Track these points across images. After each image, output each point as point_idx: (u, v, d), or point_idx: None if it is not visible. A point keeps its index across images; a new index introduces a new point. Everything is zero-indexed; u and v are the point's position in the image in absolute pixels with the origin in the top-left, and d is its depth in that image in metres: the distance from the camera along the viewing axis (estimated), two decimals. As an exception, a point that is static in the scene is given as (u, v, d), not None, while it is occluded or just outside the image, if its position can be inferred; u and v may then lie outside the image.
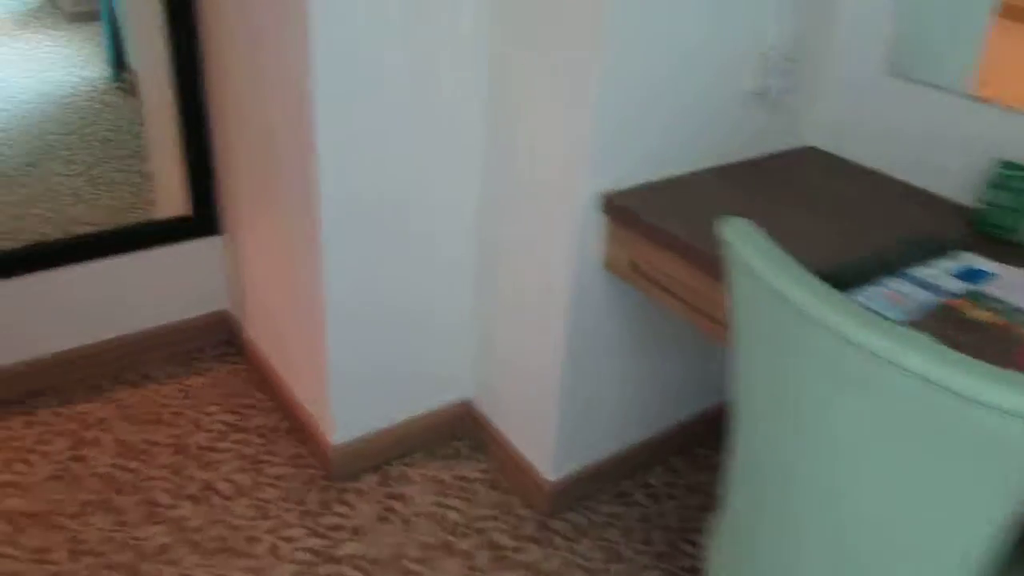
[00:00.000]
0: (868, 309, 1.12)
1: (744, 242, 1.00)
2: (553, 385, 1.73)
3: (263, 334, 2.14)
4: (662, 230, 1.42)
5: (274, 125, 1.74)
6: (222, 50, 1.91)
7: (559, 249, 1.61)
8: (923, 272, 1.30)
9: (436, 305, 1.87)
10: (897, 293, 1.24)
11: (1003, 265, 1.34)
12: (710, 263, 1.34)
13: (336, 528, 1.80)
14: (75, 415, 2.06)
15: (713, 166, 1.67)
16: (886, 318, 1.10)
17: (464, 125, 1.71)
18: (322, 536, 1.78)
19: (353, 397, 1.85)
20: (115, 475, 1.89)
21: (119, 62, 2.58)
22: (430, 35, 1.58)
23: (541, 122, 1.58)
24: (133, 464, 1.93)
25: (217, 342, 2.33)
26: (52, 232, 2.37)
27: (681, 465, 2.04)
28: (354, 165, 1.61)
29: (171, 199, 2.27)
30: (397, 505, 1.87)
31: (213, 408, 2.10)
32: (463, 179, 1.76)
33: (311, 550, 1.75)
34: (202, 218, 2.19)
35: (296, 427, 2.03)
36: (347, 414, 1.86)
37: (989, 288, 1.27)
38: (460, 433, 2.06)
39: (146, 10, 2.01)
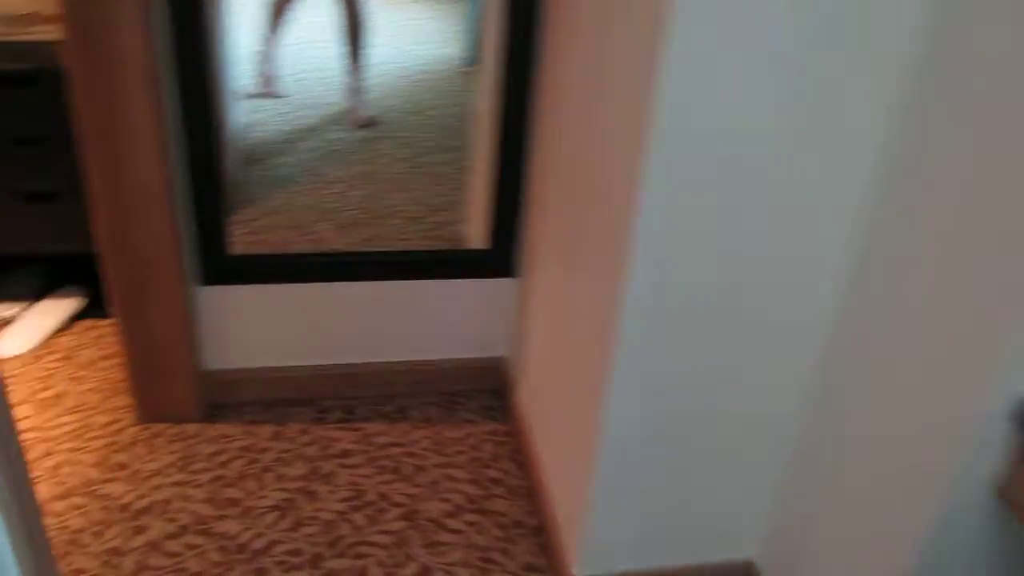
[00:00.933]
0: None
1: None
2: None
3: (532, 403, 1.82)
4: None
5: (593, 176, 1.39)
6: (558, 78, 1.60)
7: (933, 454, 1.10)
8: None
9: (741, 444, 1.42)
10: None
11: None
12: None
13: None
14: (321, 438, 1.89)
15: None
16: None
17: (825, 243, 1.24)
18: None
19: (612, 526, 1.46)
20: (337, 526, 1.68)
21: (477, 44, 2.39)
22: (809, 127, 1.13)
23: (946, 274, 1.07)
24: (359, 519, 1.70)
25: (486, 391, 2.06)
26: (363, 218, 2.24)
27: None
28: (678, 252, 1.21)
29: (477, 219, 2.02)
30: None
31: (459, 474, 1.82)
32: (811, 304, 1.29)
33: None
34: (500, 255, 1.90)
35: (541, 530, 1.69)
36: (599, 546, 1.48)
37: None
38: (735, 596, 1.60)
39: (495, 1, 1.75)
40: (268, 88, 2.43)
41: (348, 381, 1.99)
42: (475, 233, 2.06)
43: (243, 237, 2.15)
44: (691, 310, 1.26)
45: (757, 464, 1.45)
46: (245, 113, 2.38)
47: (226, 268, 1.82)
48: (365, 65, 2.42)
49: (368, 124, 2.45)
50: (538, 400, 1.78)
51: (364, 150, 2.47)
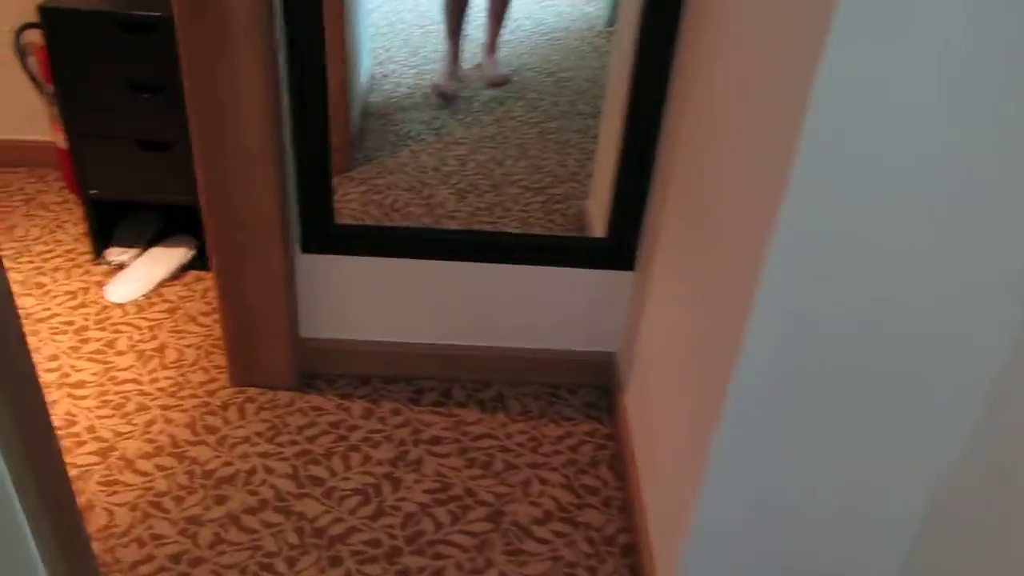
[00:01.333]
0: None
1: None
2: None
3: (638, 408, 1.68)
4: None
5: (725, 177, 1.22)
6: (697, 56, 1.42)
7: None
8: None
9: (868, 512, 1.23)
10: None
11: None
12: None
13: None
14: (413, 420, 1.80)
15: None
16: None
17: (1001, 282, 1.02)
18: None
19: (711, 563, 1.31)
20: (418, 519, 1.59)
21: (618, 3, 2.22)
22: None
23: None
24: (442, 514, 1.60)
25: (591, 387, 1.92)
26: (482, 183, 2.13)
27: None
28: (817, 283, 1.03)
29: (599, 199, 1.87)
30: None
31: (553, 477, 1.70)
32: (971, 361, 1.08)
33: None
34: (618, 245, 1.75)
35: (633, 550, 1.55)
36: (695, 585, 1.33)
37: None
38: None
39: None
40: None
41: (447, 362, 1.90)
42: (596, 213, 1.91)
43: (358, 196, 2.07)
44: (828, 351, 1.08)
45: (883, 534, 1.26)
46: (372, 63, 2.28)
47: (330, 237, 1.74)
48: (504, 23, 2.28)
49: (501, 83, 2.32)
50: (645, 407, 1.63)
51: (492, 110, 2.33)
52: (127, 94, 1.95)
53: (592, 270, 1.78)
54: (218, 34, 1.47)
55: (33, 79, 2.38)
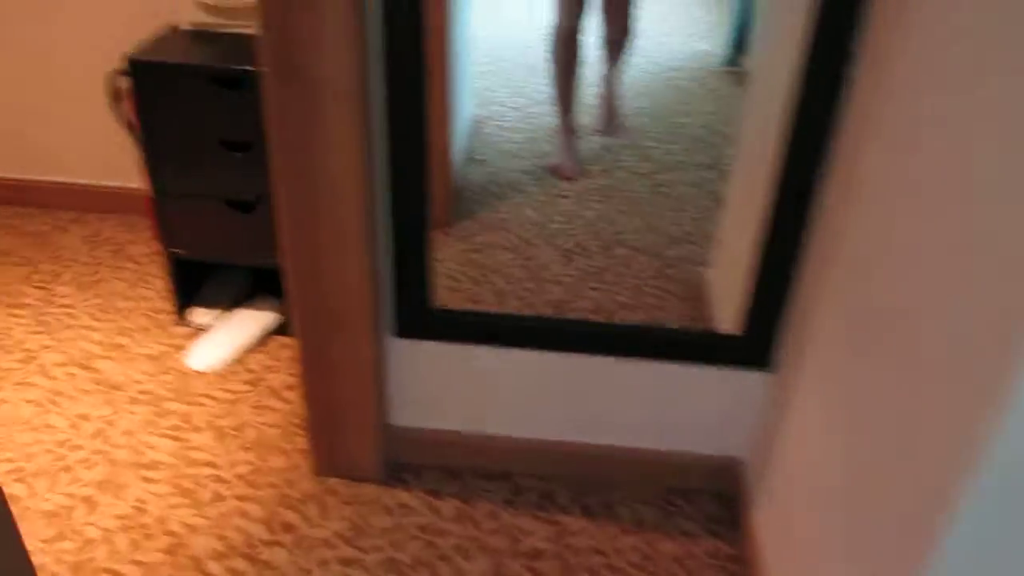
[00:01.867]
0: None
1: None
2: None
3: (774, 530, 1.43)
4: None
5: (924, 283, 0.98)
6: (879, 107, 1.18)
7: None
8: None
9: None
10: None
11: None
12: None
13: None
14: (510, 526, 1.60)
15: None
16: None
17: None
18: None
19: None
20: (514, 654, 1.39)
21: (739, 40, 1.99)
22: None
23: None
24: (541, 648, 1.40)
25: (711, 495, 1.69)
26: (591, 244, 1.93)
27: None
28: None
29: (724, 269, 1.65)
30: None
31: (669, 606, 1.47)
32: None
33: None
34: (754, 343, 1.51)
35: None
36: None
37: None
38: None
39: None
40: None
41: (549, 460, 1.69)
42: (721, 289, 1.69)
43: (456, 254, 1.90)
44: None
45: None
46: (474, 106, 2.10)
47: (426, 322, 1.56)
48: (623, 72, 2.07)
49: (616, 132, 2.11)
50: (784, 534, 1.39)
51: (600, 158, 2.13)
52: (215, 151, 1.82)
53: (719, 367, 1.55)
54: (309, 101, 1.30)
55: (126, 124, 2.29)
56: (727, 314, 1.63)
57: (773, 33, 1.51)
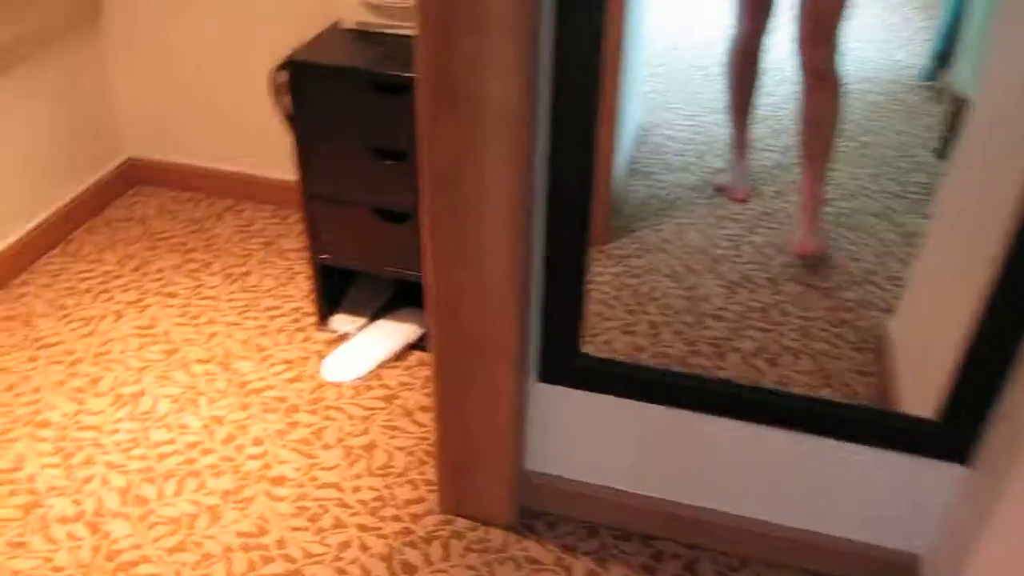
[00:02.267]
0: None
1: None
2: None
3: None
4: None
5: None
6: None
7: None
8: None
9: None
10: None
11: None
12: None
13: None
14: (646, 599, 1.45)
15: None
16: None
17: None
18: None
19: None
20: None
21: (943, 54, 1.74)
22: None
23: None
24: None
25: (884, 589, 1.48)
26: (757, 274, 1.74)
27: None
28: None
29: (917, 338, 1.44)
30: None
31: None
32: None
33: None
34: (952, 432, 1.29)
35: None
36: None
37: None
38: None
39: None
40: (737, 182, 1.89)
41: (695, 527, 1.52)
42: (907, 352, 1.47)
43: (612, 277, 1.75)
44: None
45: None
46: (643, 112, 1.93)
47: (574, 370, 1.42)
48: (827, 167, 1.82)
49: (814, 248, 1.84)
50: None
51: (774, 179, 1.92)
52: (368, 158, 1.74)
53: (901, 452, 1.34)
54: (467, 121, 1.18)
55: (286, 117, 2.26)
56: (913, 384, 1.41)
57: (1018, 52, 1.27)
